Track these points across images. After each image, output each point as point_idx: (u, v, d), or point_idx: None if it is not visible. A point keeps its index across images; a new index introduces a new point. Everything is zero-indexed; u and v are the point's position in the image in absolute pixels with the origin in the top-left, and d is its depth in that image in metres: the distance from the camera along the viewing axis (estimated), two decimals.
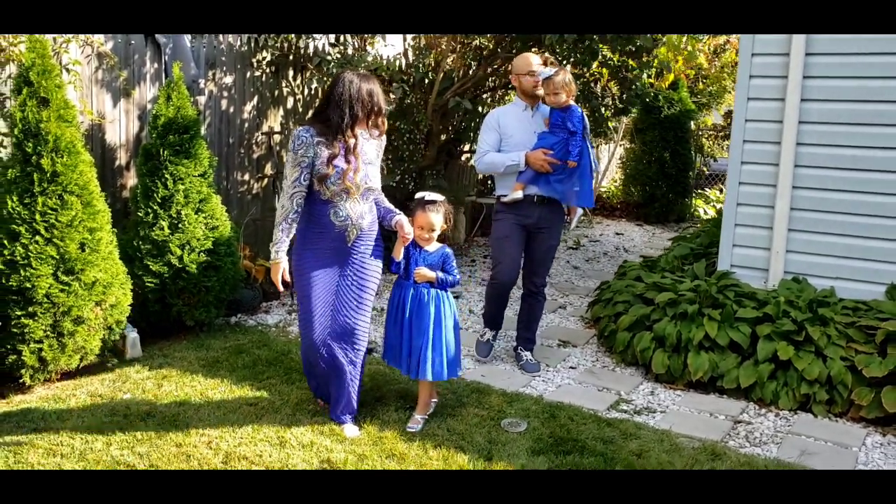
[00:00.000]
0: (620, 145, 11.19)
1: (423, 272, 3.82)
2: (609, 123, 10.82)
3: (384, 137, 3.89)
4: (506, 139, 4.63)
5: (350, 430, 3.76)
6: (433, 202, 3.81)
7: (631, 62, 7.17)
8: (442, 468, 3.42)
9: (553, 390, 4.49)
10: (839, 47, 4.80)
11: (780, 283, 5.00)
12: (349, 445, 3.61)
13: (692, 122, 10.75)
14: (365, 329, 3.81)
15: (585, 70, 7.42)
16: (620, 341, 5.02)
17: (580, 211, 4.87)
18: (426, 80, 6.12)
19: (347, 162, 3.56)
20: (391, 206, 3.89)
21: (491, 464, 3.47)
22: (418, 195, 3.88)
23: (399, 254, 3.82)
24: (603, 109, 7.50)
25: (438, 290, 3.87)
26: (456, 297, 6.26)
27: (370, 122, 3.68)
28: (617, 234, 9.72)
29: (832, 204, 4.89)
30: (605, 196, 11.40)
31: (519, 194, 4.56)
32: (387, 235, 3.97)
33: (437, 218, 3.81)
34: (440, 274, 3.84)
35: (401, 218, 3.79)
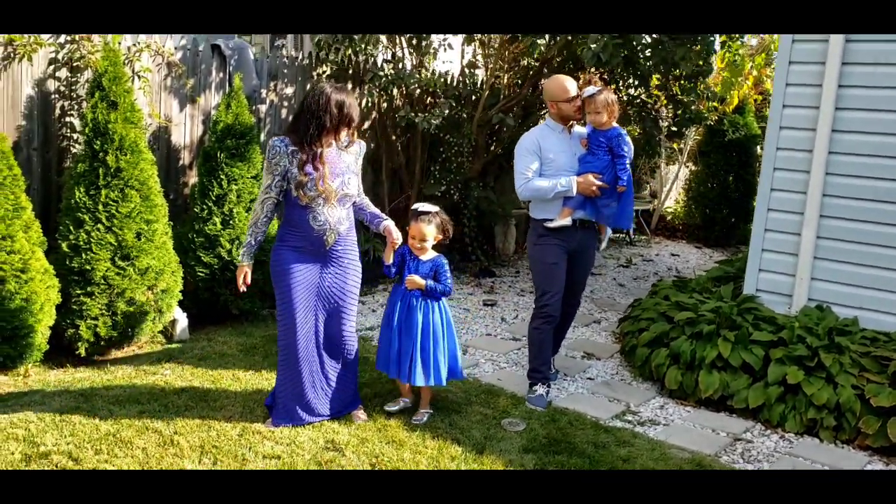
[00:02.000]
0: (686, 167, 11.21)
1: (414, 279, 4.00)
2: (675, 145, 10.93)
3: (363, 144, 4.02)
4: (547, 163, 4.47)
5: (362, 413, 4.06)
6: (426, 213, 4.01)
7: (685, 84, 7.28)
8: (435, 456, 3.69)
9: (564, 397, 4.70)
10: (870, 80, 4.85)
11: (802, 310, 5.06)
12: (354, 430, 3.93)
13: (758, 147, 10.69)
14: (352, 331, 3.98)
15: (642, 92, 7.58)
16: (639, 356, 5.18)
17: (609, 231, 4.81)
18: (473, 97, 6.41)
19: (315, 169, 3.71)
20: (378, 212, 4.05)
21: (481, 457, 3.73)
22: (414, 206, 4.09)
23: (389, 257, 4.00)
24: (655, 133, 7.63)
25: (429, 299, 4.05)
26: (490, 305, 6.52)
27: (341, 133, 3.79)
28: (673, 254, 9.77)
29: (858, 234, 4.93)
30: (668, 217, 11.44)
31: (568, 220, 4.44)
32: (382, 237, 4.12)
33: (429, 228, 3.99)
34: (430, 282, 4.01)
35: (388, 223, 3.94)
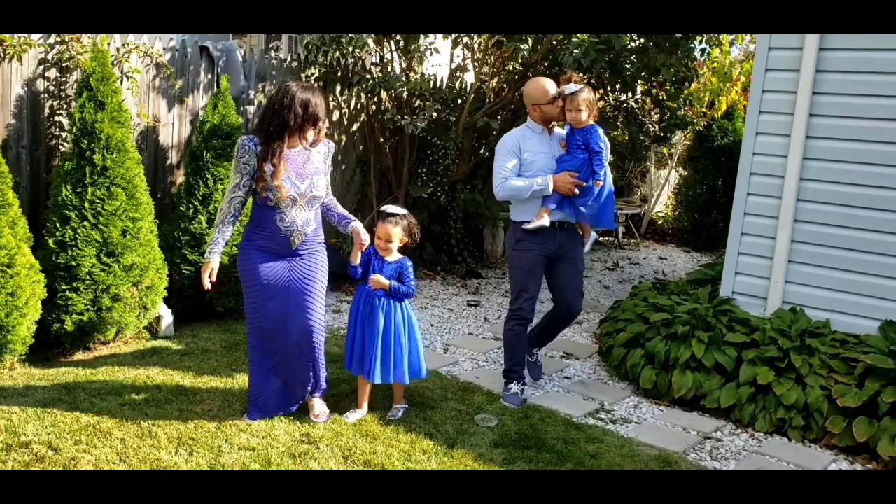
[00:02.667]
0: (677, 171, 11.32)
1: (378, 279, 4.06)
2: (665, 150, 11.03)
3: (331, 144, 4.02)
4: (526, 164, 4.48)
5: (321, 409, 4.07)
6: (393, 215, 4.07)
7: (670, 89, 7.39)
8: (407, 450, 3.79)
9: (539, 395, 4.79)
10: (843, 88, 4.95)
11: (776, 313, 5.15)
12: (330, 424, 4.02)
13: None
14: (318, 323, 3.96)
15: (630, 97, 7.69)
16: (616, 356, 5.27)
17: (594, 234, 4.77)
18: (459, 100, 6.51)
19: (273, 166, 3.71)
20: (346, 213, 4.08)
21: (452, 451, 3.82)
22: (382, 207, 4.17)
23: (356, 259, 4.04)
24: (641, 137, 7.73)
25: (392, 299, 4.11)
26: (474, 306, 6.61)
27: (306, 132, 3.80)
28: (661, 258, 9.87)
29: (832, 238, 5.02)
30: (658, 221, 11.55)
31: (546, 220, 4.43)
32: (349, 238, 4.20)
33: (395, 230, 4.05)
34: (394, 283, 4.08)
35: (356, 224, 3.98)
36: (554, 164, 4.49)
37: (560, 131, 4.61)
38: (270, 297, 3.86)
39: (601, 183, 4.45)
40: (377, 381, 4.10)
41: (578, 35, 5.59)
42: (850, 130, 4.95)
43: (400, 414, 4.20)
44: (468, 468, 3.67)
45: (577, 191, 4.39)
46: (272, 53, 6.41)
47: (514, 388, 4.67)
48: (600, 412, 4.61)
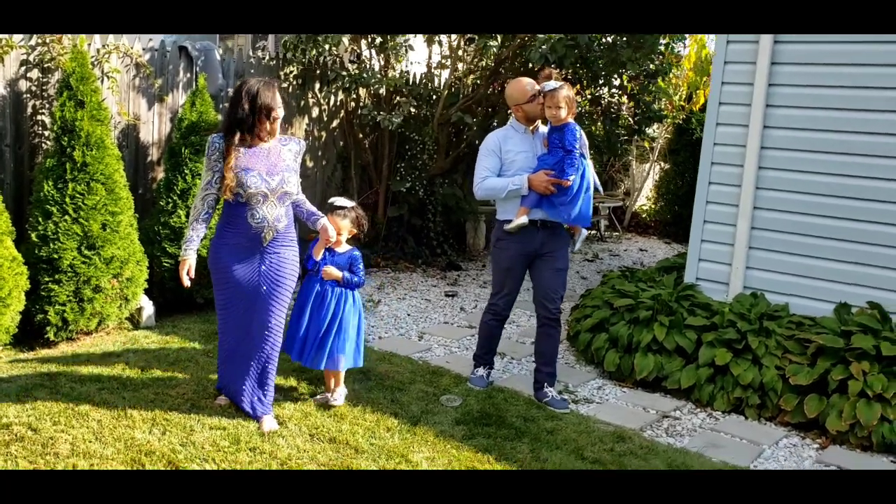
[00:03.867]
0: (658, 164, 11.51)
1: (330, 270, 4.17)
2: (646, 144, 11.22)
3: (302, 143, 4.06)
4: (507, 164, 4.50)
5: (269, 422, 3.94)
6: (342, 207, 4.21)
7: (644, 82, 7.58)
8: (372, 428, 3.98)
9: (506, 378, 4.97)
10: (797, 79, 5.13)
11: (736, 297, 5.34)
12: (299, 405, 4.21)
13: None
14: (279, 325, 3.96)
15: (607, 91, 7.88)
16: (582, 341, 5.46)
17: (584, 232, 4.71)
18: (434, 96, 6.70)
19: (222, 160, 3.76)
20: (315, 210, 4.11)
21: (415, 428, 4.01)
22: (331, 200, 4.28)
23: (319, 254, 4.17)
24: (616, 131, 7.92)
25: (343, 289, 4.21)
26: (451, 296, 6.80)
27: (262, 126, 3.77)
28: (641, 250, 10.05)
29: (789, 225, 5.21)
30: (642, 214, 11.74)
31: (524, 219, 4.43)
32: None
33: (344, 222, 4.19)
34: (346, 274, 4.19)
35: (324, 221, 4.03)
36: (535, 162, 4.49)
37: (544, 130, 4.61)
38: (238, 296, 3.90)
39: (568, 183, 4.38)
40: (323, 367, 4.19)
41: (547, 35, 5.77)
42: (804, 120, 5.13)
43: (342, 400, 4.27)
44: (428, 443, 3.86)
45: (553, 189, 4.37)
46: (259, 53, 6.59)
47: (481, 371, 4.85)
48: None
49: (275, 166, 3.83)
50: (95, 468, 3.39)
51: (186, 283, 3.84)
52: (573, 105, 4.42)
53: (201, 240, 3.88)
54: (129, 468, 3.42)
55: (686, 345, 4.98)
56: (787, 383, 4.64)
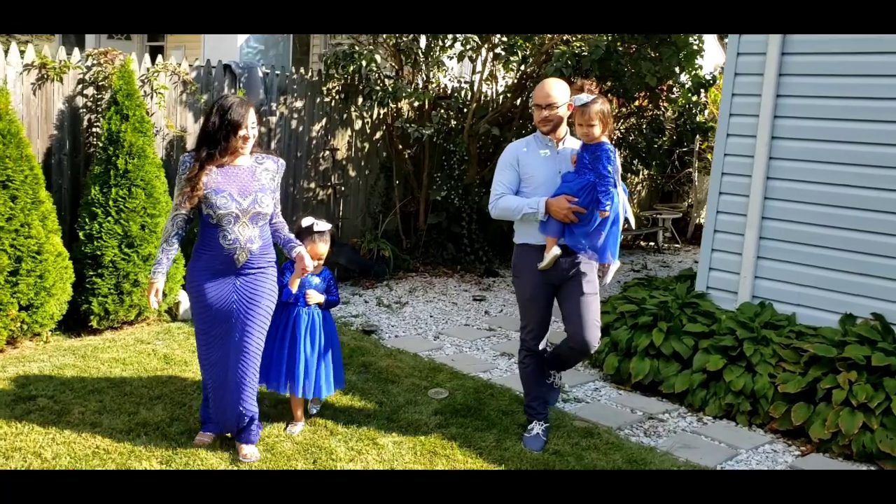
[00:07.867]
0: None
1: (315, 296, 4.08)
2: (709, 155, 11.13)
3: (282, 162, 3.91)
4: (526, 179, 3.96)
5: (250, 451, 3.81)
6: (322, 232, 4.06)
7: (688, 94, 7.63)
8: (354, 414, 4.30)
9: (505, 376, 5.18)
10: (804, 90, 5.16)
11: (742, 306, 5.38)
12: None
13: None
14: (258, 348, 3.78)
15: (647, 103, 7.97)
16: None
17: (616, 264, 4.01)
18: (465, 109, 7.01)
19: (192, 176, 3.64)
20: (292, 237, 3.91)
21: (395, 415, 4.31)
22: (306, 221, 4.10)
23: (295, 286, 3.96)
24: (657, 141, 8.00)
25: (321, 311, 4.12)
26: (479, 300, 7.04)
27: (230, 142, 3.64)
28: (696, 261, 9.99)
29: (797, 235, 5.22)
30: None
31: (556, 251, 3.84)
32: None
33: (323, 248, 4.07)
34: (328, 297, 4.14)
35: (301, 250, 3.82)
36: (558, 180, 3.92)
37: (574, 144, 4.00)
38: (216, 321, 3.74)
39: (607, 214, 3.79)
40: (308, 396, 4.10)
41: (563, 47, 5.97)
42: (812, 131, 5.15)
43: (299, 429, 4.10)
44: (401, 429, 4.14)
45: (575, 218, 3.79)
46: (292, 69, 7.09)
47: (536, 428, 4.19)
48: (561, 392, 4.95)
49: (247, 187, 3.68)
50: (99, 437, 3.84)
51: (154, 306, 3.70)
52: (608, 121, 3.84)
53: (171, 261, 3.76)
54: (128, 434, 3.86)
55: (683, 350, 5.07)
56: (778, 391, 4.68)
